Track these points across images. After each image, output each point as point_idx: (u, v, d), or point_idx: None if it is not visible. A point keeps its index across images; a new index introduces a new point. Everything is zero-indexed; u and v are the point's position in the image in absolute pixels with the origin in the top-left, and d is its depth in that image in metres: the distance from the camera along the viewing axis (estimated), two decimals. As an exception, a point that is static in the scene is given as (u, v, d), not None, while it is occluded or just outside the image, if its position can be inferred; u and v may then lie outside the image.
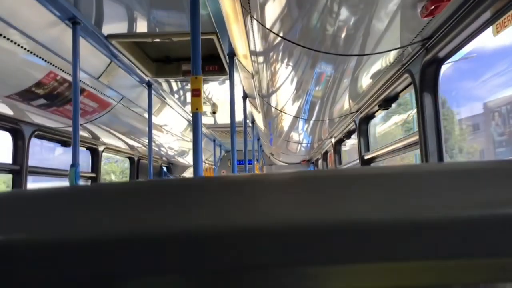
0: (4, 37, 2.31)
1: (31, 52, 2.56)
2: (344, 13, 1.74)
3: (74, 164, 2.67)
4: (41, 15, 2.42)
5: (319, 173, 0.36)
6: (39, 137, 3.92)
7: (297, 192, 0.34)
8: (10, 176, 3.54)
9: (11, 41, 2.37)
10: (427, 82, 2.13)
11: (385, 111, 3.27)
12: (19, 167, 3.51)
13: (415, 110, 2.27)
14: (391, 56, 2.25)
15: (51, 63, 2.79)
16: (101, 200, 0.35)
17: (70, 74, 2.81)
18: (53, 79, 2.92)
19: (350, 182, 0.34)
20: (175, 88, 4.56)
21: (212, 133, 7.68)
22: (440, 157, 2.13)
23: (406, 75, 2.37)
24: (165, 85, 4.41)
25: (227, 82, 3.73)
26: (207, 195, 0.34)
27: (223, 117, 6.04)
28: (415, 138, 2.37)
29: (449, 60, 2.06)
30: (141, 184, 0.37)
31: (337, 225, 0.31)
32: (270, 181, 0.36)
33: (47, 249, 0.31)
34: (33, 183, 3.87)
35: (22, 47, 2.47)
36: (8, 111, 3.23)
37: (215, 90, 4.79)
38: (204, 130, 7.20)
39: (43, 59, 2.70)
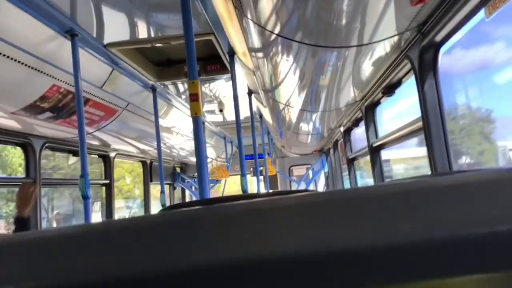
0: (4, 55, 2.33)
1: (32, 68, 2.58)
2: (337, 4, 1.72)
3: (84, 174, 2.70)
4: (38, 30, 2.44)
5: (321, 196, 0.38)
6: (50, 148, 3.98)
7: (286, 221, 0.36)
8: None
9: (11, 58, 2.39)
10: (426, 67, 2.11)
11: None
12: (32, 180, 3.57)
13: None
14: (389, 43, 2.22)
15: (53, 77, 2.81)
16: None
17: (73, 86, 2.83)
18: (56, 92, 2.95)
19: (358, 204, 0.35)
20: (181, 89, 4.57)
21: (222, 130, 7.69)
22: (445, 141, 2.11)
23: (405, 61, 2.35)
24: (170, 88, 4.43)
25: None
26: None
27: (231, 114, 6.04)
28: (420, 123, 2.34)
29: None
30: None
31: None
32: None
33: None
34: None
35: (23, 63, 2.49)
36: (17, 126, 3.27)
37: (221, 88, 4.79)
38: (213, 128, 7.21)
39: (44, 73, 2.72)
